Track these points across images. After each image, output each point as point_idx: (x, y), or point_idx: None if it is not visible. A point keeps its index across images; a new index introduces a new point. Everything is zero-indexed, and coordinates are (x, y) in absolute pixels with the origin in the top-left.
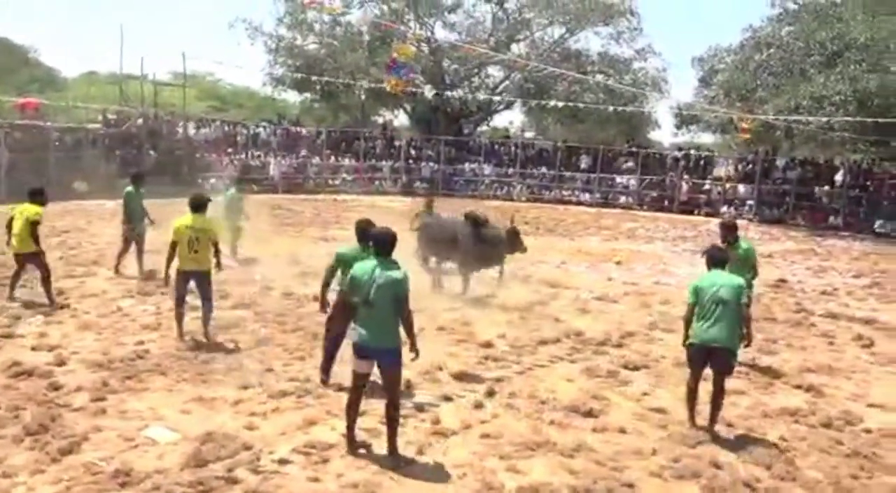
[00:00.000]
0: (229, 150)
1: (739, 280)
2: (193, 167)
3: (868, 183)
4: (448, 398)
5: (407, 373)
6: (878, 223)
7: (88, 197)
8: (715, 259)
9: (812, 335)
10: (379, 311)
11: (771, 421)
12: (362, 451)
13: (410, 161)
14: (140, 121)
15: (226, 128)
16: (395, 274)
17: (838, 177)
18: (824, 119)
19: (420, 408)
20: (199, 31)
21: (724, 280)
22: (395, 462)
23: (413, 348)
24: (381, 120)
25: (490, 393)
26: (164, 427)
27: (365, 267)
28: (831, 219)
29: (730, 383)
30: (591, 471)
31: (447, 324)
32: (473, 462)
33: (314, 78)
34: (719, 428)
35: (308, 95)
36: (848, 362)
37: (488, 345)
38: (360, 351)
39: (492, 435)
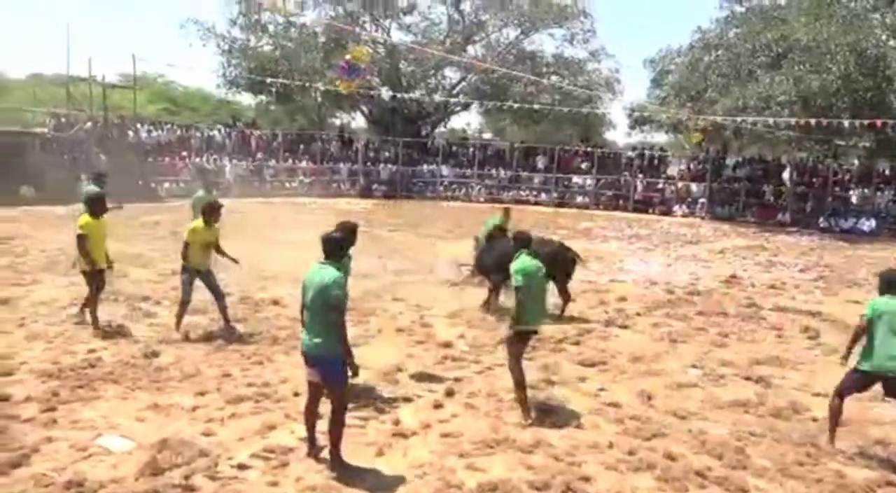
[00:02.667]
0: (183, 153)
1: None
2: (145, 171)
3: (813, 180)
4: (408, 399)
5: (366, 374)
6: (822, 219)
7: (36, 202)
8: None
9: (762, 328)
10: (314, 316)
11: (723, 412)
12: (324, 455)
13: (368, 163)
14: (89, 124)
15: (179, 131)
16: (326, 278)
17: (785, 175)
18: (771, 119)
19: (380, 410)
20: (149, 33)
21: None
22: (337, 471)
23: (349, 362)
24: (338, 122)
25: (449, 393)
26: (117, 436)
27: (310, 270)
28: (779, 216)
29: (684, 377)
30: (550, 466)
31: (406, 325)
32: (433, 462)
33: (269, 80)
34: (671, 421)
35: (263, 97)
36: (795, 354)
37: (447, 345)
38: (304, 358)
39: (451, 434)
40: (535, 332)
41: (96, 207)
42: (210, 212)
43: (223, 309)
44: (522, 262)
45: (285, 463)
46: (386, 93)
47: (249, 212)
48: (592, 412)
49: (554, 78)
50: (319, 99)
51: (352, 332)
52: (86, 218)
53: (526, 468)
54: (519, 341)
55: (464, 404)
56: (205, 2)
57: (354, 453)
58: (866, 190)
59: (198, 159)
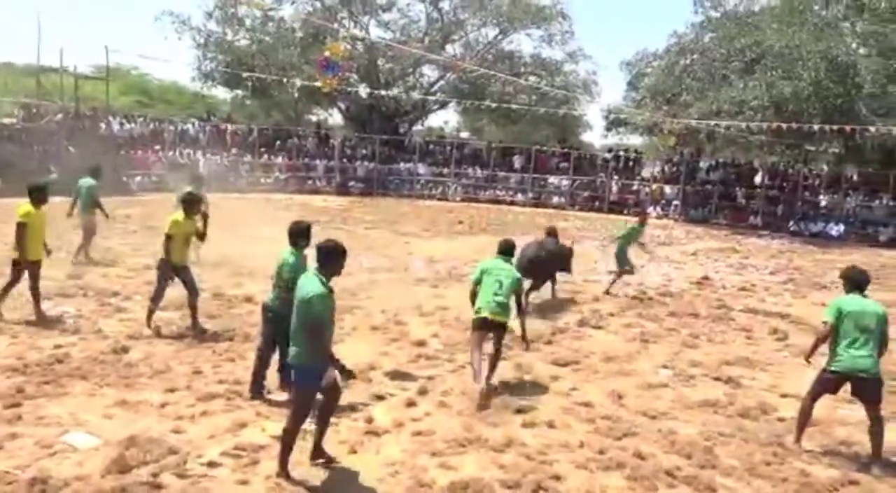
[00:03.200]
0: (156, 147)
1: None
2: (117, 165)
3: (784, 185)
4: (381, 397)
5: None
6: (792, 223)
7: (2, 194)
8: (857, 282)
9: (732, 330)
10: (296, 325)
11: (692, 412)
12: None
13: (345, 160)
14: (59, 116)
15: (152, 124)
16: (308, 293)
17: (757, 178)
18: (744, 123)
19: (353, 408)
20: (124, 24)
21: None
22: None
23: (340, 369)
24: (314, 118)
25: (423, 391)
26: (84, 433)
27: (303, 277)
28: (751, 218)
29: (655, 377)
30: (521, 465)
31: (381, 324)
32: (405, 460)
33: (245, 74)
34: (642, 420)
35: (239, 91)
36: (764, 355)
37: (421, 344)
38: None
39: (424, 433)
40: (486, 319)
41: (40, 196)
42: (191, 204)
43: (194, 306)
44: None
45: (256, 461)
46: (364, 90)
47: (224, 207)
48: (564, 411)
49: (532, 78)
50: (296, 94)
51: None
52: (27, 207)
53: (498, 467)
54: (473, 329)
55: (437, 402)
56: None
57: (327, 450)
58: (835, 195)
59: (171, 153)
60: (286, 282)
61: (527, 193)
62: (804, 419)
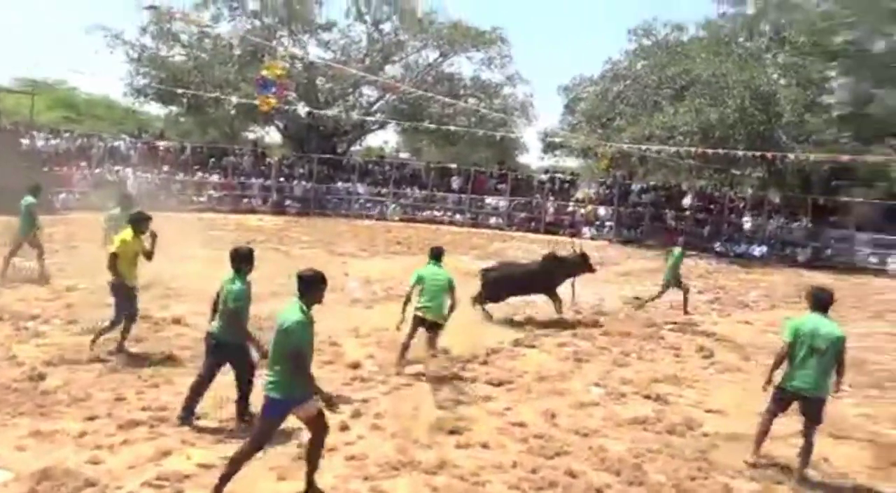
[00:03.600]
0: (82, 163)
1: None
2: (40, 181)
3: (711, 207)
4: None
5: None
6: (718, 244)
7: None
8: (820, 302)
9: (661, 348)
10: (271, 353)
11: (622, 430)
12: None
13: (282, 179)
14: None
15: (80, 140)
16: (286, 322)
17: (686, 201)
18: (673, 148)
19: (283, 433)
20: (51, 37)
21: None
22: None
23: (322, 396)
24: (251, 136)
25: (356, 414)
26: None
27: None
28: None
29: (587, 395)
30: (454, 487)
31: (315, 345)
32: (337, 485)
33: (180, 91)
34: (574, 439)
35: (174, 107)
36: (691, 372)
37: (356, 366)
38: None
39: (357, 457)
40: (423, 319)
41: None
42: (140, 222)
43: (127, 330)
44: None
45: (180, 491)
46: (302, 109)
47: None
48: (498, 431)
49: (471, 100)
50: (233, 112)
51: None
52: None
53: (431, 490)
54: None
55: (370, 425)
56: (113, 8)
57: (254, 478)
58: (758, 217)
59: (98, 170)
60: (231, 311)
61: (465, 213)
62: (760, 436)
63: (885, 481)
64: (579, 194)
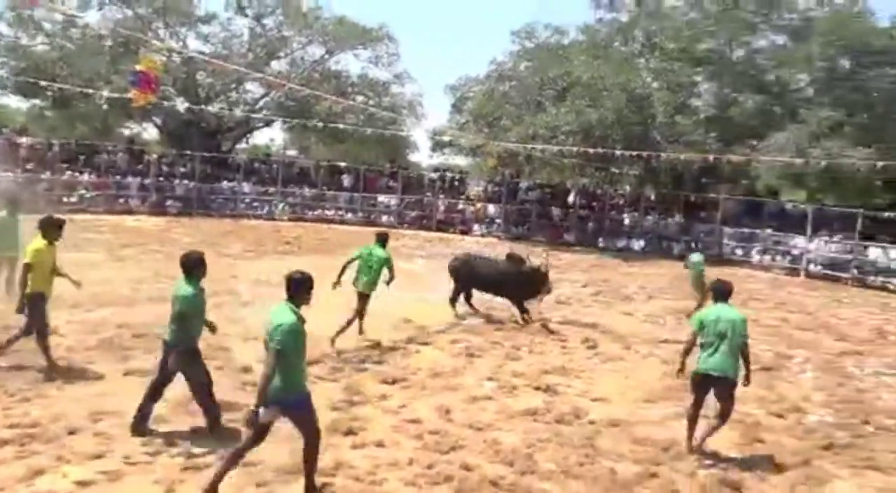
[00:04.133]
0: None
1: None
2: None
3: (594, 204)
4: (203, 430)
5: (157, 406)
6: (601, 239)
7: None
8: (720, 292)
9: (549, 341)
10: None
11: (514, 421)
12: None
13: (161, 178)
14: None
15: None
16: (275, 321)
17: (570, 198)
18: (556, 147)
19: (171, 443)
20: None
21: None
22: None
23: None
24: (126, 133)
25: (249, 421)
26: None
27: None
28: (565, 236)
29: (480, 390)
30: (350, 488)
31: (202, 350)
32: None
33: (44, 83)
34: (468, 433)
35: (37, 101)
36: (577, 363)
37: (247, 370)
38: None
39: (250, 463)
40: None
41: None
42: (51, 228)
43: (12, 342)
44: None
45: None
46: (181, 105)
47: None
48: (394, 429)
49: (359, 98)
50: (105, 107)
51: (141, 362)
52: None
53: None
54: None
55: None
56: None
57: (137, 492)
58: (636, 214)
59: None
60: (180, 315)
61: (356, 212)
62: (690, 423)
63: (749, 456)
64: (471, 193)
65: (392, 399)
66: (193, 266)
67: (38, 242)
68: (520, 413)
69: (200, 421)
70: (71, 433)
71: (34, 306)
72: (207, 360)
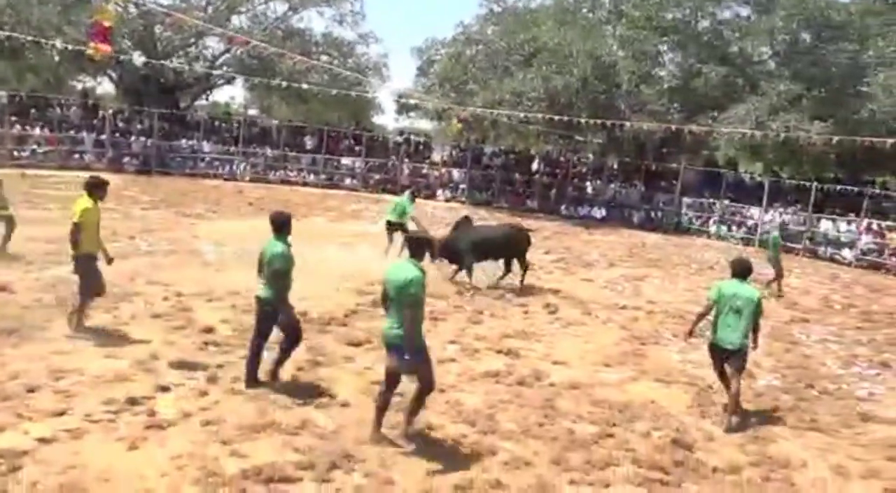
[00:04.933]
0: None
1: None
2: None
3: (557, 171)
4: (165, 388)
5: (119, 363)
6: (563, 207)
7: None
8: (739, 270)
9: (511, 305)
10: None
11: (476, 383)
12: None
13: (118, 134)
14: None
15: None
16: (402, 276)
17: (534, 165)
18: (522, 113)
19: (133, 401)
20: None
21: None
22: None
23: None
24: (80, 86)
25: (212, 379)
26: None
27: (392, 268)
28: (528, 202)
29: (443, 352)
30: (315, 446)
31: (164, 311)
32: (194, 451)
33: None
34: (432, 395)
35: None
36: (539, 327)
37: (209, 330)
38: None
39: (214, 422)
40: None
41: None
42: (97, 188)
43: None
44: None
45: (17, 467)
46: (138, 59)
47: None
48: (359, 391)
49: (324, 58)
50: (57, 58)
51: (101, 319)
52: None
53: (292, 450)
54: None
55: (228, 389)
56: None
57: (101, 449)
58: (599, 182)
59: None
60: (278, 272)
61: (319, 174)
62: (723, 385)
63: (701, 418)
64: (434, 157)
65: (357, 361)
66: (283, 224)
67: (85, 201)
68: (482, 376)
69: (164, 379)
70: (30, 390)
71: (87, 266)
72: (166, 321)
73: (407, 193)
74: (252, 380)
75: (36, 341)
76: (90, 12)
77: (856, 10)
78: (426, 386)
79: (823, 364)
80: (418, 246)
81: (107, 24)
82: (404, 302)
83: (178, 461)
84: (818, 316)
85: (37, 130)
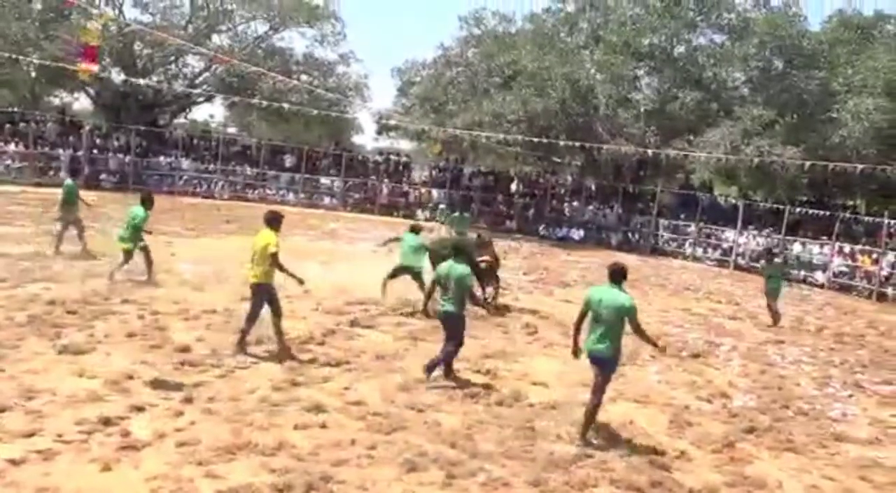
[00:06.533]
0: None
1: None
2: None
3: (535, 192)
4: (140, 408)
5: (92, 383)
6: (542, 228)
7: None
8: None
9: (491, 326)
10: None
11: (455, 404)
12: None
13: (94, 151)
14: None
15: None
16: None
17: (513, 186)
18: (501, 135)
19: (106, 421)
20: None
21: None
22: None
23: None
24: (57, 102)
25: (188, 399)
26: None
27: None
28: (507, 223)
29: (422, 373)
30: (292, 467)
31: (139, 329)
32: (169, 473)
33: None
34: (411, 414)
35: None
36: (518, 348)
37: (185, 349)
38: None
39: (189, 442)
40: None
41: None
42: (278, 221)
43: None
44: None
45: None
46: (118, 76)
47: None
48: (337, 410)
49: (304, 78)
50: (34, 74)
51: (75, 337)
52: None
53: (268, 472)
54: None
55: (203, 409)
56: None
57: (73, 471)
58: (577, 203)
59: None
60: (463, 290)
61: (298, 193)
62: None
63: (678, 439)
64: (414, 177)
65: (335, 381)
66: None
67: (271, 233)
68: (461, 396)
69: (138, 399)
70: (1, 410)
71: (272, 294)
72: (142, 339)
73: (409, 234)
74: (449, 376)
75: (7, 360)
76: (68, 28)
77: (826, 38)
78: (601, 394)
79: (798, 385)
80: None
81: (93, 43)
82: (619, 323)
83: (153, 483)
84: (792, 337)
85: (11, 146)
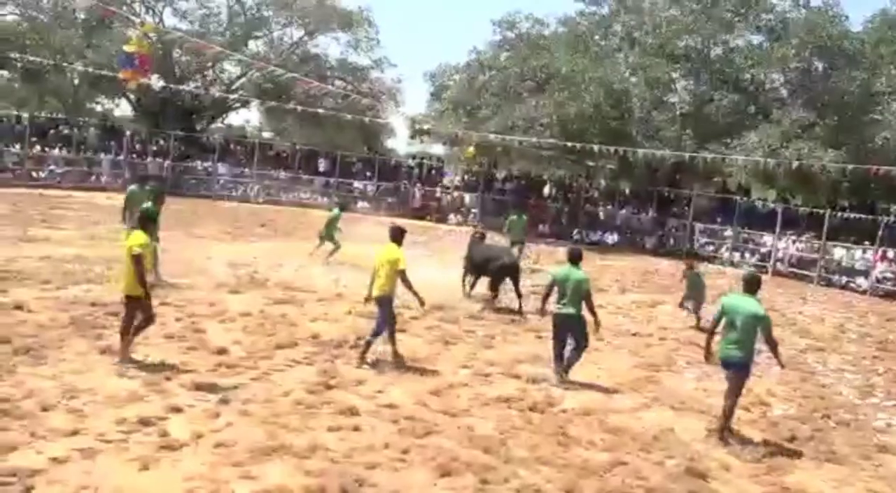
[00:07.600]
0: None
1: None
2: None
3: (569, 196)
4: (178, 410)
5: (131, 384)
6: (575, 232)
7: None
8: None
9: (523, 331)
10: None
11: (488, 409)
12: None
13: (134, 156)
14: None
15: None
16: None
17: (546, 190)
18: (534, 138)
19: (145, 422)
20: None
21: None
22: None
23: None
24: (99, 108)
25: (224, 401)
26: None
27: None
28: (540, 227)
29: (455, 377)
30: (326, 470)
31: (177, 332)
32: (205, 473)
33: (14, 55)
34: (443, 419)
35: (5, 72)
36: (550, 352)
37: (222, 352)
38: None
39: (225, 444)
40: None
41: None
42: (403, 235)
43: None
44: None
45: (29, 487)
46: (157, 82)
47: None
48: (370, 414)
49: (338, 83)
50: (77, 81)
51: (115, 340)
52: None
53: (303, 474)
54: None
55: (239, 411)
56: None
57: (113, 470)
58: (611, 207)
59: None
60: (586, 293)
61: (331, 196)
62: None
63: (715, 447)
64: (446, 181)
65: (368, 384)
66: (577, 258)
67: (397, 248)
68: (494, 400)
69: (176, 400)
70: (44, 409)
71: (391, 307)
72: (179, 341)
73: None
74: (563, 380)
75: (51, 361)
76: (111, 36)
77: (868, 38)
78: (736, 398)
79: (840, 394)
80: (756, 283)
81: (145, 53)
82: (753, 330)
83: (190, 483)
84: (833, 345)
85: (55, 151)
